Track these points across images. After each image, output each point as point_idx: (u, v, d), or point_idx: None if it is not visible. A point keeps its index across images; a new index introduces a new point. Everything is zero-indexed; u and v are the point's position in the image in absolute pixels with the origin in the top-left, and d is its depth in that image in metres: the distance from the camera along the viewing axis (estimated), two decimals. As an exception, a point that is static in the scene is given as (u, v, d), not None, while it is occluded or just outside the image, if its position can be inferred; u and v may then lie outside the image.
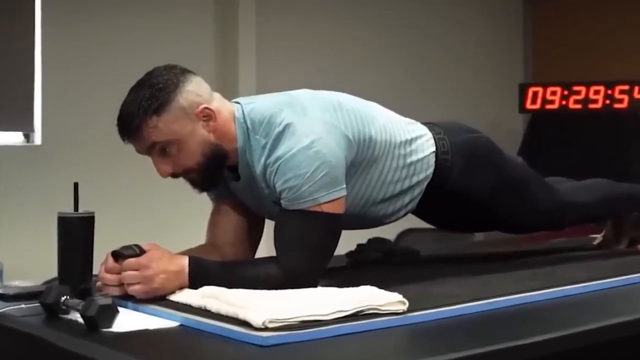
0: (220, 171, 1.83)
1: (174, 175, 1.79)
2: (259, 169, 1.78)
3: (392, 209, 1.96)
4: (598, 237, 2.49)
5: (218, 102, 1.81)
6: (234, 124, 1.80)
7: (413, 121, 2.04)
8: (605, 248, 2.43)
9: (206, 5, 4.79)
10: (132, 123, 1.72)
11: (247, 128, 1.79)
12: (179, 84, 1.75)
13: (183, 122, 1.74)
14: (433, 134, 2.01)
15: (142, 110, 1.71)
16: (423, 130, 2.01)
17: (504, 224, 2.19)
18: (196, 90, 1.77)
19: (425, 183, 1.97)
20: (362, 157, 1.84)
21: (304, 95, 1.85)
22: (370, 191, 1.89)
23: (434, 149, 1.98)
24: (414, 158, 1.94)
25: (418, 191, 1.97)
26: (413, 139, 1.96)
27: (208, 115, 1.77)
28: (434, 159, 1.98)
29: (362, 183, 1.87)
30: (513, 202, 2.10)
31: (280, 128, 1.73)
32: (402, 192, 1.94)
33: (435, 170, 1.97)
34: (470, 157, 2.02)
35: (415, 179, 1.95)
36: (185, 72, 1.79)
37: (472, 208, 2.06)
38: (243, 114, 1.81)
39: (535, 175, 2.21)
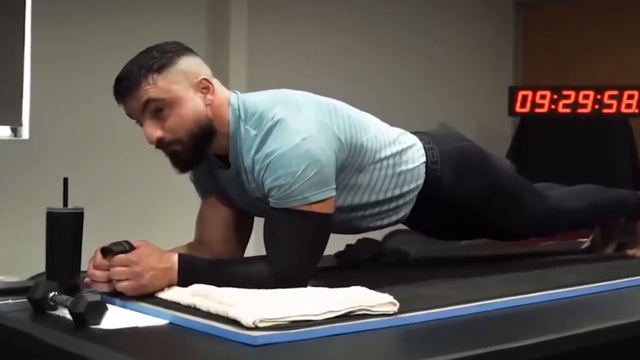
0: (204, 151, 1.79)
1: (161, 141, 1.73)
2: (247, 161, 1.77)
3: (380, 217, 1.95)
4: (586, 241, 2.50)
5: (217, 84, 1.81)
6: (228, 109, 1.79)
7: (403, 131, 2.03)
8: (594, 252, 2.44)
9: (198, 3, 4.77)
10: (131, 79, 1.71)
11: (239, 116, 1.78)
12: (183, 53, 1.77)
13: (183, 85, 1.74)
14: (423, 144, 2.00)
15: (143, 68, 1.71)
16: (413, 140, 2.01)
17: (495, 231, 2.19)
18: (198, 63, 1.79)
19: (416, 192, 1.96)
20: (352, 161, 1.83)
21: (299, 95, 1.85)
22: (359, 198, 1.89)
23: (424, 159, 1.98)
24: (404, 168, 1.94)
25: (408, 200, 1.96)
26: (404, 150, 1.96)
27: (207, 88, 1.77)
28: (425, 169, 1.97)
29: (351, 190, 1.86)
30: (503, 209, 2.10)
31: (272, 122, 1.73)
32: (392, 200, 1.94)
33: (425, 179, 1.97)
34: (460, 165, 2.02)
35: (405, 189, 1.95)
36: (189, 49, 1.80)
37: (463, 216, 2.06)
38: (238, 102, 1.80)
39: (525, 182, 2.22)
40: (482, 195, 2.04)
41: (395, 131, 2.00)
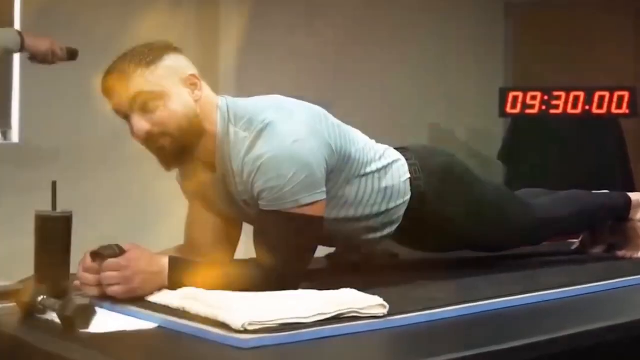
0: (193, 148, 1.77)
1: (149, 135, 1.72)
2: (236, 163, 1.76)
3: (366, 232, 1.96)
4: (576, 242, 2.51)
5: (204, 85, 1.81)
6: (216, 111, 1.79)
7: (388, 147, 2.03)
8: (583, 253, 2.44)
9: (188, 9, 4.77)
10: (121, 72, 1.70)
11: (228, 119, 1.78)
12: (171, 50, 1.77)
13: (172, 79, 1.73)
14: (406, 160, 2.01)
15: (133, 63, 1.71)
16: (397, 155, 2.01)
17: (480, 245, 2.20)
18: (186, 61, 1.79)
19: (403, 210, 1.96)
20: (341, 169, 1.83)
21: (291, 101, 1.85)
22: (346, 212, 1.89)
23: (409, 175, 1.98)
24: (390, 183, 1.94)
25: (395, 219, 1.96)
26: (389, 164, 1.96)
27: (195, 84, 1.77)
28: (410, 186, 1.97)
29: (338, 202, 1.86)
30: (489, 223, 2.11)
31: (262, 125, 1.72)
32: (378, 216, 1.94)
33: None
34: (443, 181, 2.02)
35: (392, 205, 1.95)
36: (177, 48, 1.80)
37: (447, 231, 2.05)
38: (227, 105, 1.80)
39: (510, 195, 2.22)
40: (466, 210, 2.04)
41: (382, 147, 2.01)
